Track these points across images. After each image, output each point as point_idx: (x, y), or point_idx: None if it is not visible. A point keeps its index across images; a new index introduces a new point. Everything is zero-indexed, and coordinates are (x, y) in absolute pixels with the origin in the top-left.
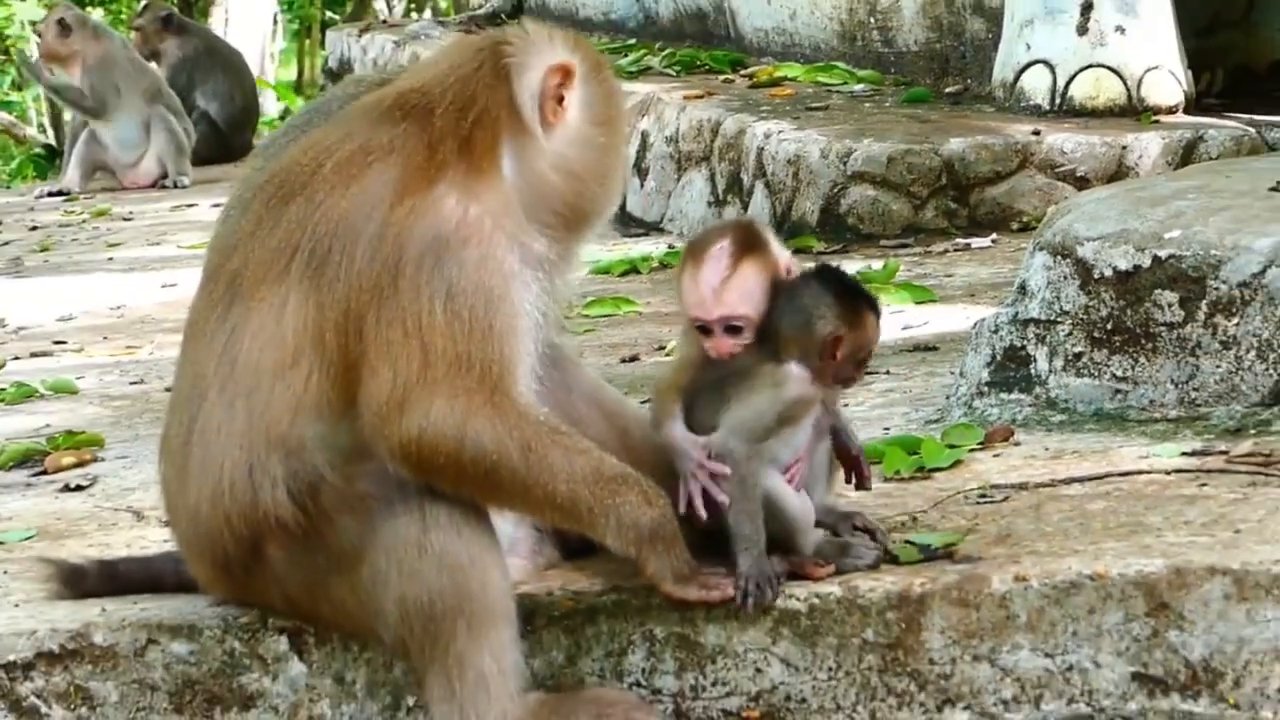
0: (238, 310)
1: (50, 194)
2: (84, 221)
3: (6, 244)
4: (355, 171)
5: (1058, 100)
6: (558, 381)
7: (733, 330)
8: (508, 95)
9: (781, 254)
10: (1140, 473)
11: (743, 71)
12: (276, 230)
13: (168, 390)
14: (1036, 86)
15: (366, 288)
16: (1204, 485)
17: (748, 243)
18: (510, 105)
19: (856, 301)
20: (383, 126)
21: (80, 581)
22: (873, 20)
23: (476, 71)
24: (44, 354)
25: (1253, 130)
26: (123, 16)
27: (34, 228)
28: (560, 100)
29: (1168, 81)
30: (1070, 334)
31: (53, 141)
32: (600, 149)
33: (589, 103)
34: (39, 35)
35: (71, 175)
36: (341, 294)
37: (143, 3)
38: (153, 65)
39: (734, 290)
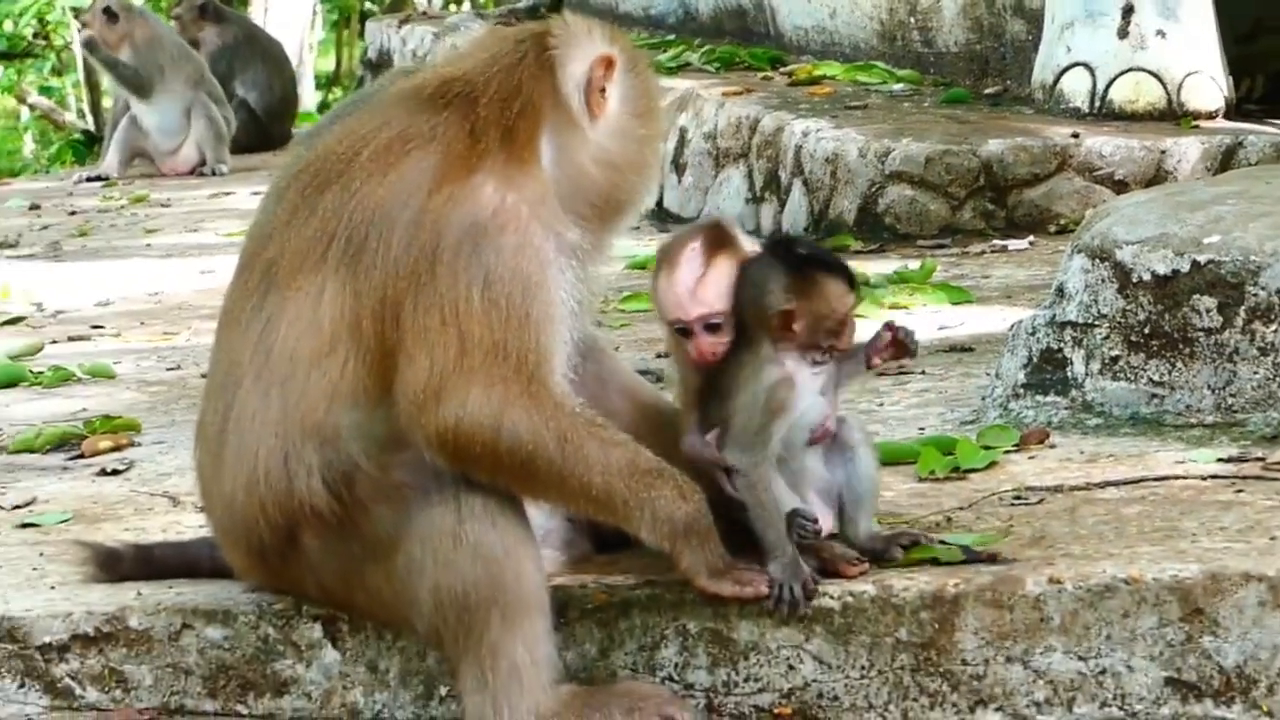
0: (273, 299)
1: (89, 179)
2: (122, 207)
3: (45, 228)
4: (393, 159)
5: (1097, 103)
6: (592, 373)
7: (712, 328)
8: (552, 86)
9: (753, 249)
10: (1176, 478)
11: (782, 69)
12: (312, 219)
13: (204, 376)
14: (1076, 89)
15: (404, 275)
16: (1240, 491)
17: (718, 241)
18: (554, 96)
19: (809, 269)
20: (423, 114)
21: (116, 565)
22: (913, 20)
23: (520, 62)
24: (81, 338)
25: None
26: (162, 5)
27: (73, 213)
28: (603, 92)
29: (1208, 86)
30: (1107, 337)
31: (91, 127)
32: (639, 140)
33: (629, 95)
34: (83, 24)
35: (111, 160)
36: (378, 281)
37: None
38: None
39: (710, 287)
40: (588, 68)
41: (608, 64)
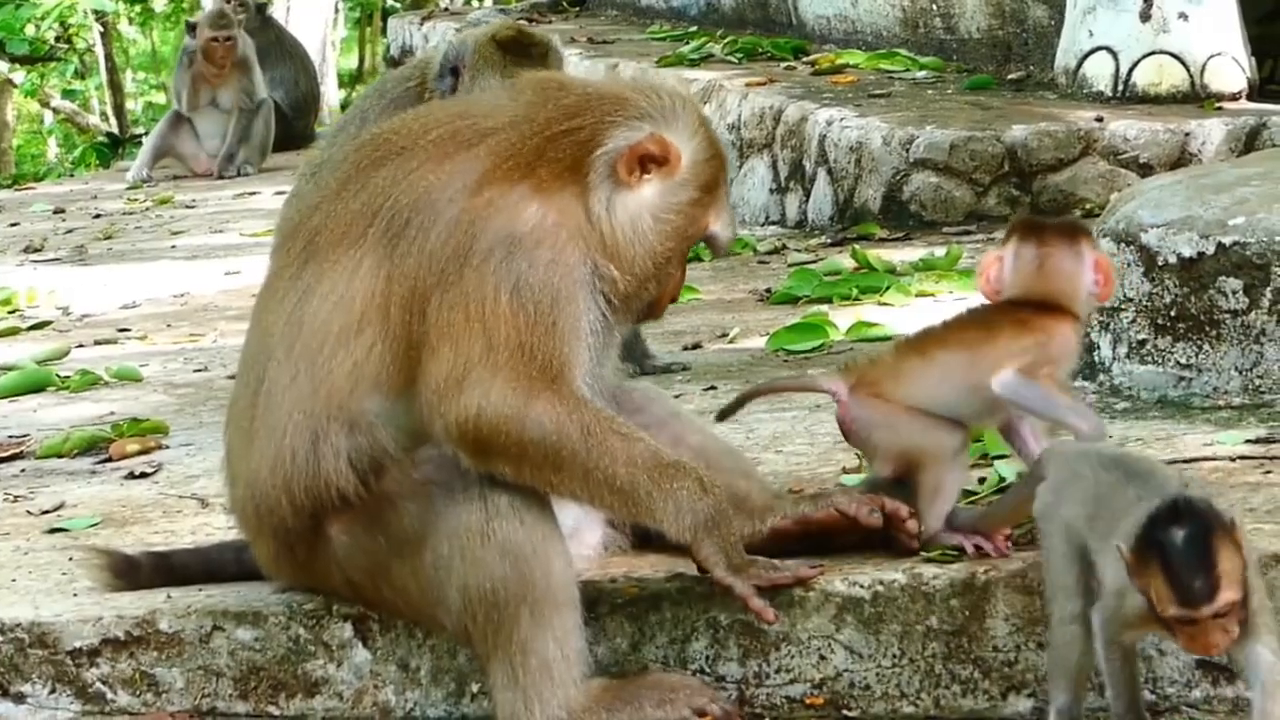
0: (311, 269)
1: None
2: (147, 209)
3: (70, 232)
4: (453, 148)
5: (1120, 87)
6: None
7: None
8: (608, 127)
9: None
10: (1204, 460)
11: (805, 59)
12: (362, 192)
13: (231, 378)
14: (1099, 73)
15: (434, 270)
16: (1268, 473)
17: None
18: (603, 135)
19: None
20: (501, 107)
21: (134, 573)
22: (935, 7)
23: (608, 94)
24: (108, 342)
25: None
26: (184, 5)
27: (97, 216)
28: (645, 170)
29: (1230, 68)
30: (1134, 321)
31: (116, 129)
32: (644, 242)
33: (666, 200)
34: (237, 10)
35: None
36: (411, 269)
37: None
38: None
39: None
40: (643, 137)
41: (662, 150)
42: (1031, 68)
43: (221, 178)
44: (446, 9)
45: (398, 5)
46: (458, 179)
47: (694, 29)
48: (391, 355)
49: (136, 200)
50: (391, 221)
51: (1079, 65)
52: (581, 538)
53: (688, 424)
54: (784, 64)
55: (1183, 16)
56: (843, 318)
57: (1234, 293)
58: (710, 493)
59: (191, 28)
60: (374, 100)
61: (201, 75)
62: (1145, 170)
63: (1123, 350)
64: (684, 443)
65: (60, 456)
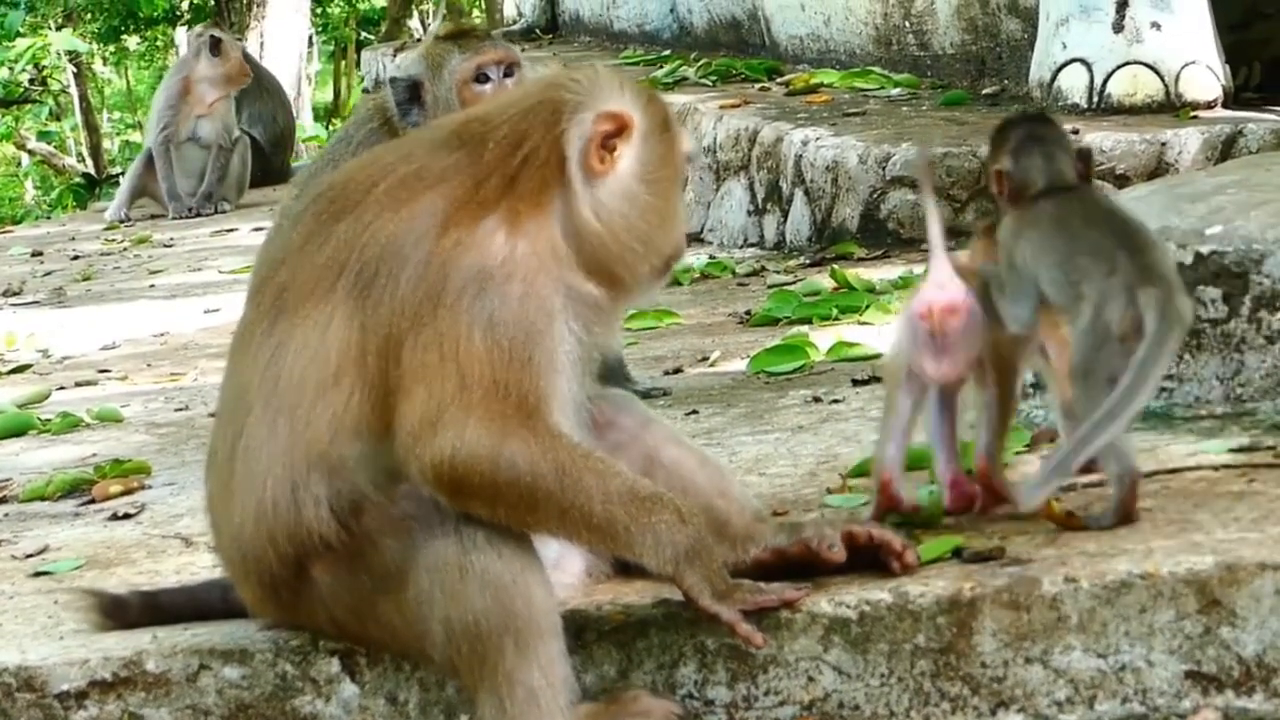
0: (283, 325)
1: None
2: (125, 249)
3: (48, 275)
4: (406, 196)
5: (1095, 98)
6: (606, 416)
7: None
8: (559, 135)
9: None
10: (1188, 470)
11: (779, 79)
12: (325, 246)
13: (213, 416)
14: (1074, 85)
15: (408, 315)
16: (1252, 481)
17: None
18: (560, 146)
19: None
20: (440, 153)
21: (123, 613)
22: (907, 24)
23: (535, 107)
24: (89, 383)
25: None
26: (158, 45)
27: (75, 257)
28: (611, 150)
29: (1205, 76)
30: None
31: (92, 170)
32: (643, 209)
33: (644, 161)
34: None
35: (119, 201)
36: (384, 318)
37: (192, 38)
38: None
39: None
40: (594, 120)
41: (619, 122)
42: (1006, 82)
43: (199, 215)
44: (419, 40)
45: (371, 38)
46: (419, 223)
47: (667, 53)
48: (370, 404)
49: (114, 241)
50: (360, 273)
51: (1053, 78)
52: (565, 566)
53: (661, 434)
54: (758, 85)
55: (1156, 26)
56: (823, 338)
57: (1213, 302)
58: (689, 523)
59: (216, 43)
60: (342, 148)
61: (199, 99)
62: (1122, 181)
63: None
64: (658, 459)
65: (43, 499)
